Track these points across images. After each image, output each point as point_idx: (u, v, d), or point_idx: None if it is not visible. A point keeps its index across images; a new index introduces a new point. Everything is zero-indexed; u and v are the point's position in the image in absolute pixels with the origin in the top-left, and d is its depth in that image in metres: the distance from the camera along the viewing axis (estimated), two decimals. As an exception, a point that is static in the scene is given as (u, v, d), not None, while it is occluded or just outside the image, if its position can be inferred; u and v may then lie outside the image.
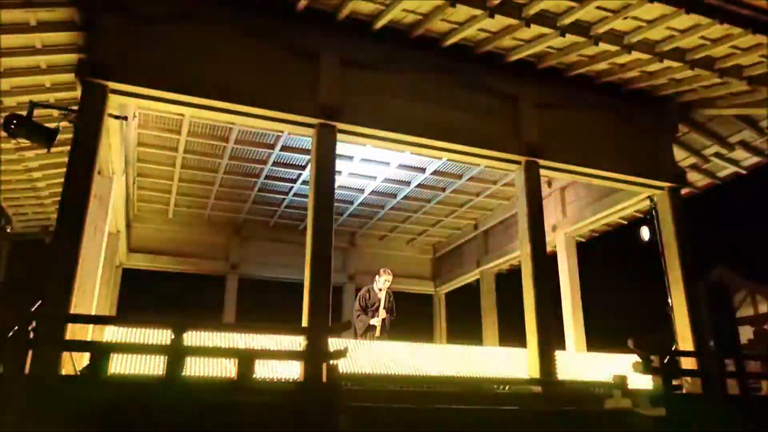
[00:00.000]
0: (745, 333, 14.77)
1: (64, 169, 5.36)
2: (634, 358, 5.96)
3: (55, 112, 6.42)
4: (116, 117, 6.26)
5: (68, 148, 5.45)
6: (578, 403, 6.00)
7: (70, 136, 5.58)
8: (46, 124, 6.13)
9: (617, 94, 7.63)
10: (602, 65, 7.06)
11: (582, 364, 7.29)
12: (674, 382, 6.16)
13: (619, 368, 6.31)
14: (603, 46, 6.54)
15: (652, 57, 6.67)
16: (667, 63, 6.74)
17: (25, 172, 8.20)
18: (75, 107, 5.69)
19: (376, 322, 8.36)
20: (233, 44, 6.16)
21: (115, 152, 6.95)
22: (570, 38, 6.43)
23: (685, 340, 7.02)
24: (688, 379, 6.67)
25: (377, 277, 8.68)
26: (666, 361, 6.04)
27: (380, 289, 8.56)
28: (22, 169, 8.11)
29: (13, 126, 5.80)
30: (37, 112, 6.08)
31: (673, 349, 7.03)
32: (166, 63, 5.81)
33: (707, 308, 7.37)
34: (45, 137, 6.01)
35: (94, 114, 5.46)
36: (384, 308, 8.43)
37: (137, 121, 7.55)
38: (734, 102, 7.52)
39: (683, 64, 6.74)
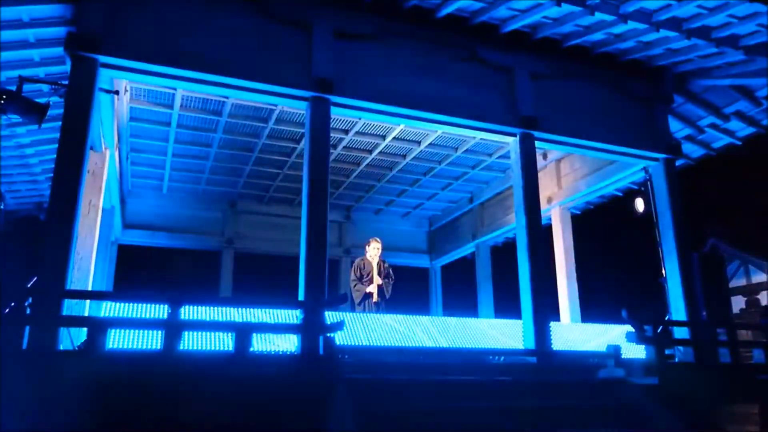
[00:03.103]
0: (738, 303, 14.95)
1: (57, 145, 5.32)
2: (628, 328, 6.03)
3: (46, 87, 6.34)
4: (107, 91, 6.19)
5: (60, 123, 5.39)
6: (572, 373, 6.09)
7: (61, 111, 5.52)
8: (37, 100, 6.06)
9: (613, 65, 7.58)
10: (598, 35, 7.00)
11: (576, 334, 7.38)
12: (667, 352, 6.25)
13: (613, 338, 6.40)
14: (599, 16, 6.46)
15: (649, 26, 6.60)
16: (663, 32, 6.68)
17: (17, 148, 8.13)
18: (65, 82, 5.61)
19: (372, 289, 8.45)
20: (225, 16, 6.08)
21: (107, 127, 6.89)
22: (566, 7, 6.35)
23: (678, 310, 7.10)
24: (681, 348, 6.76)
25: (367, 247, 8.78)
26: (659, 331, 6.12)
27: (372, 257, 8.65)
28: (13, 145, 8.04)
29: (2, 101, 5.73)
30: (26, 87, 5.99)
31: (666, 319, 7.11)
32: (157, 36, 5.74)
33: (700, 279, 7.41)
34: (35, 113, 5.94)
35: (85, 88, 5.40)
36: (379, 275, 8.52)
37: (128, 95, 7.47)
38: (730, 72, 7.48)
39: (680, 33, 6.68)
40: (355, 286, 8.57)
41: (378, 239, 8.76)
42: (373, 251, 8.63)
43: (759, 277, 14.92)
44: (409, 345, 6.34)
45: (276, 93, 6.18)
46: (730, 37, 6.77)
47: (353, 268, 8.79)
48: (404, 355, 6.12)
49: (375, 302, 8.36)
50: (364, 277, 8.57)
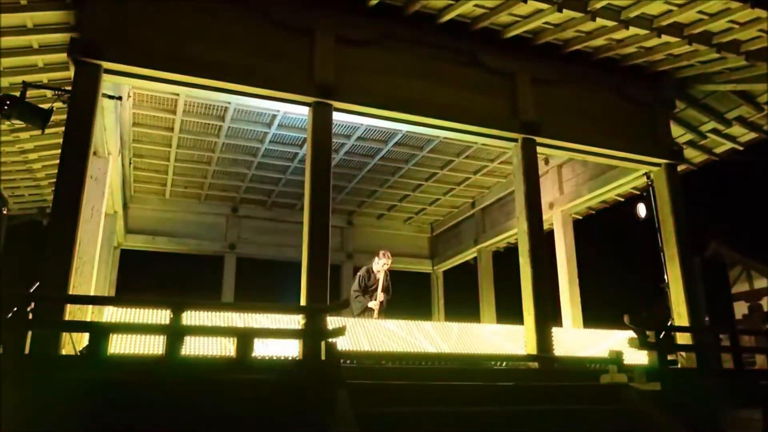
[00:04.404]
0: (740, 308, 14.90)
1: (60, 150, 5.34)
2: (630, 333, 6.02)
3: (49, 93, 6.37)
4: (110, 97, 6.22)
5: (63, 128, 5.41)
6: (574, 379, 6.07)
7: (64, 116, 5.55)
8: (40, 105, 6.09)
9: (614, 70, 7.58)
10: (599, 41, 7.01)
11: (578, 340, 7.36)
12: (669, 357, 6.23)
13: (615, 344, 6.38)
14: (600, 22, 6.48)
15: (650, 32, 6.61)
16: (664, 38, 6.69)
17: (21, 153, 8.16)
18: (68, 87, 5.64)
19: (373, 305, 8.35)
20: (228, 22, 6.10)
21: (110, 132, 6.91)
22: (567, 13, 6.37)
23: (680, 315, 7.08)
24: (683, 354, 6.74)
25: (376, 258, 8.65)
26: (661, 336, 6.10)
27: (378, 271, 8.56)
28: (17, 151, 8.07)
29: (6, 107, 5.76)
30: (30, 92, 6.02)
31: (668, 324, 7.10)
32: (160, 41, 5.75)
33: (702, 284, 7.40)
34: (39, 118, 5.97)
35: (88, 94, 5.41)
36: (381, 291, 8.43)
37: (132, 100, 7.49)
38: (732, 77, 7.48)
39: (681, 39, 6.69)
40: (356, 297, 8.50)
41: (389, 255, 8.61)
42: (382, 266, 8.51)
43: (761, 283, 14.89)
44: (411, 350, 6.33)
45: (278, 98, 6.20)
46: (731, 43, 6.78)
47: (357, 279, 8.72)
48: (406, 361, 6.11)
49: (375, 319, 8.29)
50: (368, 289, 8.51)
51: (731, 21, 6.43)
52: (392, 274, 9.05)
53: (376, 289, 8.48)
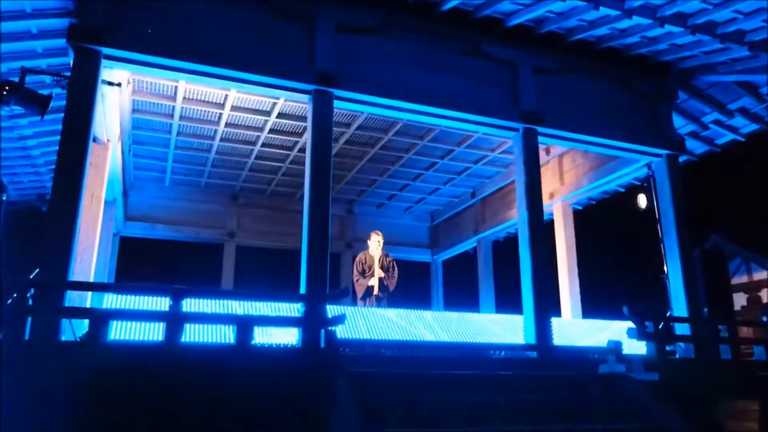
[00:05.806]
0: (739, 300, 14.91)
1: (59, 137, 5.31)
2: (629, 324, 6.03)
3: (48, 78, 6.32)
4: (110, 83, 6.18)
5: (62, 115, 5.39)
6: (573, 369, 6.09)
7: (63, 103, 5.51)
8: (39, 91, 6.05)
9: (617, 60, 7.54)
10: (603, 30, 6.96)
11: (577, 330, 7.38)
12: (668, 348, 6.25)
13: (614, 334, 6.39)
14: (603, 11, 6.43)
15: (654, 21, 6.57)
16: (668, 28, 6.65)
17: (19, 139, 8.13)
18: (68, 73, 5.60)
19: (373, 282, 8.44)
20: (228, 9, 6.06)
21: (109, 119, 6.88)
22: (570, 2, 6.33)
23: (679, 306, 7.10)
24: (682, 344, 6.76)
25: (368, 241, 8.80)
26: (660, 327, 6.11)
27: (374, 250, 8.67)
28: (16, 137, 8.04)
29: (4, 93, 5.72)
30: (29, 78, 5.98)
31: (667, 315, 7.11)
32: (160, 28, 5.72)
33: (702, 275, 7.39)
34: (38, 104, 5.93)
35: (88, 80, 5.39)
36: (380, 267, 8.51)
37: (131, 87, 7.45)
38: (735, 68, 7.44)
39: (684, 29, 6.65)
40: (357, 281, 8.57)
41: (379, 232, 8.78)
42: (374, 245, 8.64)
43: (760, 274, 14.89)
44: (410, 339, 6.35)
45: (279, 86, 6.17)
46: (735, 33, 6.73)
47: (355, 263, 8.79)
48: (405, 350, 6.12)
49: (376, 295, 8.35)
50: (366, 272, 8.57)
51: (735, 11, 6.38)
52: (394, 261, 9.05)
53: (373, 269, 8.55)
